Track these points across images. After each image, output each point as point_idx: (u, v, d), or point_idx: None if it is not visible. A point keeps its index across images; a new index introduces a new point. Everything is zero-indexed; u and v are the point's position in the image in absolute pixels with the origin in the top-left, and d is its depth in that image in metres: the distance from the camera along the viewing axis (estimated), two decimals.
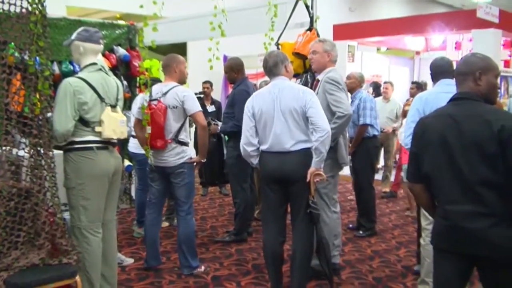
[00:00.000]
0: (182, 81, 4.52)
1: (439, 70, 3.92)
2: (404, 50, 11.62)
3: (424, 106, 3.72)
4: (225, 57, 7.66)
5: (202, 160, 4.55)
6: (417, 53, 11.58)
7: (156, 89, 4.42)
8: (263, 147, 3.88)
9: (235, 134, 4.98)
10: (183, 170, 4.40)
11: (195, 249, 4.62)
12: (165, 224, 5.89)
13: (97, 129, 3.51)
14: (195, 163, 4.55)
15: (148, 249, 4.60)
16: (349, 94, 5.07)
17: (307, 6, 5.48)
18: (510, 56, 10.67)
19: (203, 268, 4.63)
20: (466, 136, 2.41)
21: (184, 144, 4.43)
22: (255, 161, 3.97)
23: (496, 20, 8.05)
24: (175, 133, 4.36)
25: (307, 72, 5.08)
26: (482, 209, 2.38)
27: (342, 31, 10.12)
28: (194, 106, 4.36)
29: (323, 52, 4.33)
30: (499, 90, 8.52)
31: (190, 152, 4.50)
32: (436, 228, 2.59)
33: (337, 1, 14.49)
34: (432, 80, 4.04)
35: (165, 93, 4.34)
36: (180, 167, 4.39)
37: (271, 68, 3.91)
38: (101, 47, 3.69)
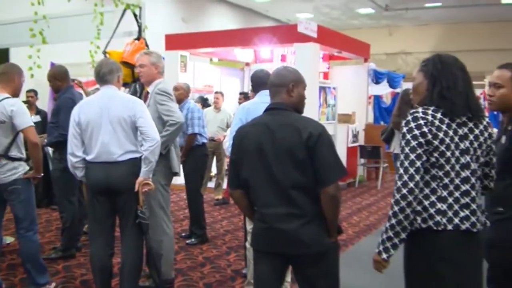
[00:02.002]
0: (17, 93, 4.20)
1: (259, 81, 4.15)
2: (234, 62, 12.03)
3: (247, 116, 3.89)
4: (52, 65, 7.30)
5: (38, 176, 4.25)
6: (247, 64, 12.06)
7: None
8: (89, 157, 3.76)
9: (61, 144, 4.75)
10: (16, 186, 4.09)
11: (41, 266, 4.28)
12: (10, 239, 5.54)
13: None
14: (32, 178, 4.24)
15: None
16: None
17: (135, 15, 5.46)
18: (328, 68, 11.59)
19: (53, 284, 4.37)
20: (279, 143, 2.59)
21: (17, 159, 4.13)
22: (80, 173, 3.84)
23: (315, 35, 8.73)
24: (4, 149, 4.04)
25: (135, 81, 5.04)
26: (294, 210, 2.57)
27: (174, 41, 10.20)
28: (23, 121, 4.04)
29: (150, 64, 4.32)
30: (318, 100, 9.24)
31: (24, 168, 4.18)
32: (254, 231, 2.75)
33: (170, 11, 14.59)
34: (253, 91, 4.26)
35: None
36: (13, 184, 4.08)
37: (105, 74, 3.81)
38: None
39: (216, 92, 8.92)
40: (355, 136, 11.08)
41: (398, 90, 13.05)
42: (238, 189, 2.77)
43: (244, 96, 7.98)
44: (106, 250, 3.88)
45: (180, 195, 8.66)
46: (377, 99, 13.32)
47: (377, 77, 11.64)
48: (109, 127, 3.70)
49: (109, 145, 3.70)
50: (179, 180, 6.14)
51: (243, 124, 2.92)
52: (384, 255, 2.36)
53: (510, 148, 2.86)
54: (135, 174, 3.73)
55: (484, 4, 17.30)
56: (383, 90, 13.06)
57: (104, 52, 5.21)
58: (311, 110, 8.69)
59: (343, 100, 10.65)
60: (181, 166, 4.97)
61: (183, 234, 6.22)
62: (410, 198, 2.27)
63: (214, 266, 5.16)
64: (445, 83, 2.34)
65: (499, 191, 2.81)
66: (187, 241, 5.95)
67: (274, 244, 2.63)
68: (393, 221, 2.31)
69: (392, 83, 12.58)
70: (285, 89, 2.73)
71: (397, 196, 2.29)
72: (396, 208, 2.29)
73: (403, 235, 2.33)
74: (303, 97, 2.81)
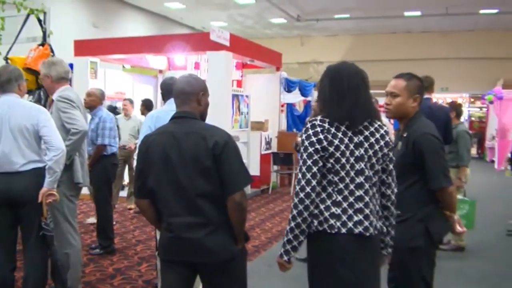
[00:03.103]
0: None
1: (169, 89, 4.13)
2: (147, 69, 11.88)
3: (156, 123, 3.85)
4: None
5: None
6: (160, 71, 11.94)
7: None
8: None
9: None
10: None
11: None
12: None
13: None
14: None
15: None
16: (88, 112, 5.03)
17: (39, 20, 5.28)
18: (241, 76, 11.72)
19: None
20: (185, 152, 2.59)
21: None
22: None
23: (227, 43, 8.81)
24: None
25: (40, 88, 4.87)
26: (201, 219, 2.58)
27: (84, 47, 9.94)
28: None
29: (43, 75, 4.18)
30: (231, 107, 9.31)
31: None
32: (161, 241, 2.73)
33: (80, 16, 14.20)
34: (163, 99, 4.24)
35: None
36: None
37: (3, 83, 3.68)
38: None
39: (125, 99, 8.74)
40: (268, 143, 11.26)
41: (309, 98, 13.44)
42: (145, 198, 2.73)
43: (144, 104, 7.85)
44: (7, 264, 3.71)
45: (90, 205, 8.40)
46: (290, 107, 13.61)
47: (289, 86, 11.91)
48: (9, 136, 3.57)
49: (10, 155, 3.56)
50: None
51: (149, 133, 2.89)
52: (285, 257, 2.44)
53: (406, 154, 3.03)
54: (38, 185, 3.60)
55: (389, 16, 18.23)
56: (295, 98, 13.37)
57: (6, 58, 4.99)
58: (224, 117, 8.78)
59: (256, 108, 10.80)
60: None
61: (93, 246, 6.04)
62: (307, 201, 2.35)
63: (125, 277, 5.05)
64: (337, 95, 2.44)
65: (396, 195, 2.98)
66: (91, 252, 5.79)
67: (181, 253, 2.62)
68: (292, 224, 2.39)
69: (304, 92, 12.93)
70: (196, 97, 2.74)
71: (296, 200, 2.38)
72: (294, 212, 2.38)
73: (302, 238, 2.41)
74: (208, 105, 2.83)
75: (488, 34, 20.08)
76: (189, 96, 2.74)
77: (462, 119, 7.99)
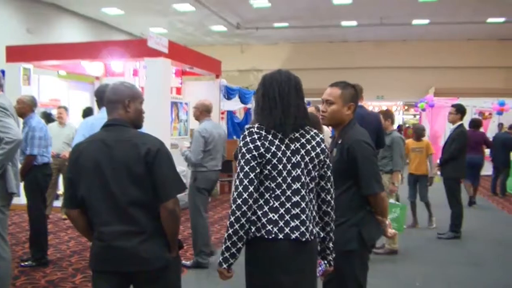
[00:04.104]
0: None
1: (103, 96, 4.06)
2: (84, 75, 11.60)
3: (90, 131, 3.78)
4: None
5: None
6: (97, 78, 11.69)
7: None
8: None
9: None
10: None
11: None
12: None
13: None
14: None
15: None
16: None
17: None
18: (181, 83, 11.63)
19: None
20: (116, 160, 2.56)
21: None
22: None
23: (166, 50, 8.73)
24: None
25: None
26: (133, 228, 2.55)
27: (16, 53, 9.61)
28: None
29: None
30: (171, 115, 9.25)
31: None
32: (93, 251, 2.67)
33: (13, 21, 13.74)
34: (98, 106, 4.17)
35: None
36: None
37: None
38: None
39: (59, 107, 8.53)
40: None
41: (249, 105, 13.52)
42: (75, 208, 2.66)
43: (85, 111, 7.70)
44: None
45: (23, 216, 8.11)
46: (230, 114, 13.64)
47: (228, 93, 11.94)
48: None
49: None
50: (23, 200, 5.75)
51: (80, 141, 2.83)
52: (224, 265, 2.43)
53: (340, 160, 3.10)
54: None
55: (326, 25, 18.66)
56: (236, 105, 13.41)
57: None
58: (163, 125, 8.69)
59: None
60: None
61: (25, 258, 5.82)
62: (244, 208, 2.37)
63: None
64: (273, 103, 2.48)
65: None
66: (21, 264, 5.58)
67: (113, 263, 2.58)
68: (230, 231, 2.40)
69: (243, 99, 12.99)
70: (121, 105, 2.70)
71: (233, 206, 2.39)
72: (232, 218, 2.38)
73: (240, 244, 2.42)
74: (140, 112, 2.79)
75: (420, 44, 20.92)
76: (115, 104, 2.72)
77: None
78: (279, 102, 2.48)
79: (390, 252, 6.42)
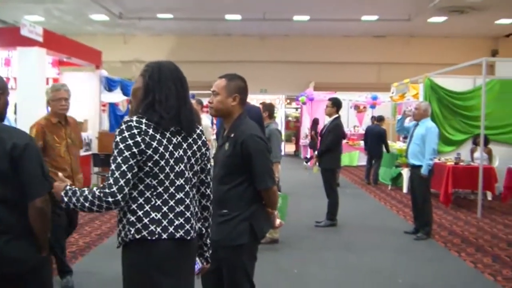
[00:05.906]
0: None
1: None
2: None
3: None
4: None
5: None
6: None
7: None
8: None
9: None
10: None
11: None
12: None
13: None
14: None
15: None
16: None
17: None
18: (58, 74, 11.09)
19: None
20: None
21: None
22: None
23: (40, 39, 8.28)
24: None
25: None
26: None
27: None
28: None
29: None
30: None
31: None
32: None
33: None
34: None
35: None
36: None
37: None
38: None
39: None
40: (88, 144, 10.82)
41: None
42: None
43: None
44: None
45: None
46: (113, 106, 13.22)
47: (109, 85, 11.56)
48: None
49: None
50: None
51: None
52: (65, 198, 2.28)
53: (233, 155, 3.11)
54: None
55: (210, 18, 18.70)
56: (118, 97, 13.02)
57: None
58: (36, 117, 8.17)
59: (75, 108, 10.28)
60: None
61: None
62: (115, 207, 2.25)
63: None
64: (158, 96, 2.34)
65: (221, 195, 3.06)
66: None
67: None
68: (86, 208, 2.24)
69: (126, 91, 12.60)
70: None
71: (103, 200, 2.21)
72: (94, 207, 2.22)
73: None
74: (5, 106, 2.64)
75: (301, 39, 21.60)
76: None
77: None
78: (172, 100, 2.37)
79: (272, 241, 6.61)
